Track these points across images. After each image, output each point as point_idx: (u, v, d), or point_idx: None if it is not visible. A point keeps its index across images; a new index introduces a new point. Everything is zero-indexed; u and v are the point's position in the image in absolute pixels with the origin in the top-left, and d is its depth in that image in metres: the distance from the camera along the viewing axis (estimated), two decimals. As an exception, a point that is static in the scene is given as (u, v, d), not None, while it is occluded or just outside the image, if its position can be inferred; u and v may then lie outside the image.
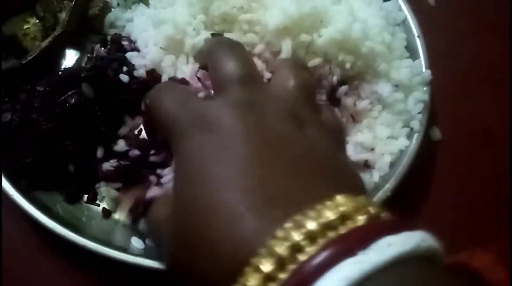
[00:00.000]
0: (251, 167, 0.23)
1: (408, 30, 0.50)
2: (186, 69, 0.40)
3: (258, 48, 0.41)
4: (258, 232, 0.21)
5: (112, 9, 0.47)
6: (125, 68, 0.41)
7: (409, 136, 0.43)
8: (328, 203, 0.21)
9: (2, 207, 0.37)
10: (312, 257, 0.19)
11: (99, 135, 0.39)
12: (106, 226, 0.38)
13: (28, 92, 0.39)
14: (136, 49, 0.43)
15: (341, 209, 0.20)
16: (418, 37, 0.49)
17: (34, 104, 0.38)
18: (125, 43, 0.44)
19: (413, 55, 0.48)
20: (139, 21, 0.45)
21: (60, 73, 0.40)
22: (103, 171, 0.38)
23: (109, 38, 0.44)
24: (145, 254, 0.36)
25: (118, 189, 0.39)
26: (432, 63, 0.50)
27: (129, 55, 0.42)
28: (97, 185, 0.39)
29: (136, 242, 0.36)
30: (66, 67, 0.43)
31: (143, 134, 0.39)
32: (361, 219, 0.20)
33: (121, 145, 0.39)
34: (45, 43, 0.42)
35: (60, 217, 0.37)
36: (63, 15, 0.44)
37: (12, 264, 0.36)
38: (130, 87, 0.41)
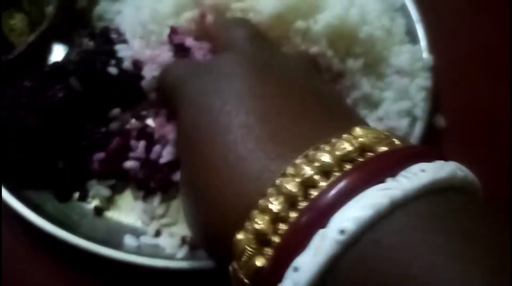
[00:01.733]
0: (256, 104, 0.21)
1: (407, 15, 0.48)
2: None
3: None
4: (266, 172, 0.19)
5: (101, 2, 0.46)
6: (113, 61, 0.40)
7: (411, 124, 0.42)
8: (345, 135, 0.18)
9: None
10: (327, 189, 0.16)
11: (88, 130, 0.38)
12: (98, 224, 0.37)
13: (14, 87, 0.37)
14: (125, 41, 0.41)
15: (360, 140, 0.18)
16: (417, 22, 0.47)
17: (21, 99, 0.37)
18: (114, 35, 0.42)
19: (413, 41, 0.47)
20: (128, 12, 0.43)
21: (47, 67, 0.38)
22: (94, 168, 0.37)
23: (97, 31, 0.43)
24: (139, 251, 0.34)
25: (111, 186, 0.38)
26: (433, 48, 0.48)
27: (117, 47, 0.41)
28: (88, 183, 0.37)
29: (129, 240, 0.35)
30: (54, 62, 0.41)
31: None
32: (385, 149, 0.18)
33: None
34: (31, 38, 0.41)
35: (51, 215, 0.35)
36: (50, 9, 0.42)
37: (2, 264, 0.35)
38: (119, 80, 0.39)
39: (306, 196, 0.17)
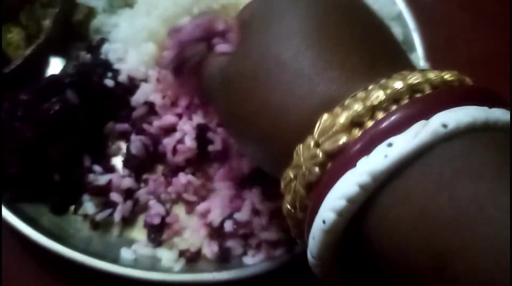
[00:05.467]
0: (323, 27, 0.23)
1: (404, 24, 0.48)
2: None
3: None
4: (335, 94, 0.20)
5: (98, 15, 0.46)
6: (110, 74, 0.40)
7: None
8: (416, 71, 0.20)
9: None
10: (394, 111, 0.18)
11: (85, 142, 0.38)
12: (95, 237, 0.36)
13: (11, 100, 0.37)
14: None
15: (430, 75, 0.19)
16: (414, 30, 0.47)
17: (17, 112, 0.37)
18: (111, 47, 0.42)
19: (410, 49, 0.47)
20: (124, 26, 0.43)
21: (43, 80, 0.38)
22: (88, 185, 0.37)
23: (94, 43, 0.43)
24: (136, 264, 0.34)
25: (106, 203, 0.37)
26: (431, 57, 0.49)
27: (113, 60, 0.41)
28: (83, 197, 0.37)
29: (125, 253, 0.35)
30: (51, 74, 0.41)
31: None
32: (448, 87, 0.19)
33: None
34: (28, 51, 0.41)
35: (47, 229, 0.35)
36: (47, 23, 0.43)
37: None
38: (115, 92, 0.39)
39: (372, 116, 0.19)
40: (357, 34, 0.23)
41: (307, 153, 0.20)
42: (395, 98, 0.19)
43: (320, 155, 0.19)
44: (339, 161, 0.19)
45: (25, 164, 0.36)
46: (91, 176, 0.37)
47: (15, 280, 0.35)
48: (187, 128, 0.37)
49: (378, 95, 0.19)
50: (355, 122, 0.19)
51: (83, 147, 0.38)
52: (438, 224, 0.16)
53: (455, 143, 0.17)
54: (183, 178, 0.37)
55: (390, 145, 0.17)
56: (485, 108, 0.18)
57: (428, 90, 0.19)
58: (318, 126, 0.20)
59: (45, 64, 0.43)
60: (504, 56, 0.53)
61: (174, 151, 0.37)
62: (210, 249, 0.35)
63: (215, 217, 0.35)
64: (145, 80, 0.40)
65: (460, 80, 0.20)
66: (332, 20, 0.23)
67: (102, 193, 0.36)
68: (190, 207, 0.37)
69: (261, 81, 0.23)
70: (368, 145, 0.18)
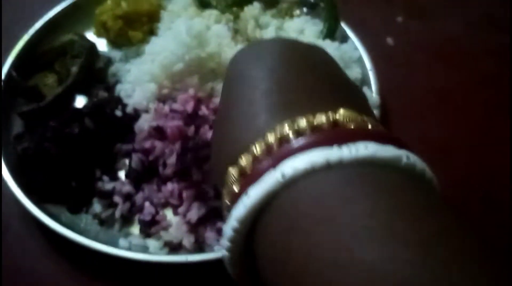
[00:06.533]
0: (277, 74, 0.26)
1: (363, 66, 0.58)
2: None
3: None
4: (263, 127, 0.23)
5: (115, 63, 0.58)
6: (120, 107, 0.51)
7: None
8: (330, 112, 0.22)
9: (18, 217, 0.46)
10: (288, 144, 0.21)
11: (98, 158, 0.48)
12: (100, 231, 0.46)
13: (43, 126, 0.49)
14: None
15: (337, 117, 0.22)
16: (370, 70, 0.57)
17: (47, 135, 0.48)
18: (122, 87, 0.54)
19: (369, 86, 0.56)
20: (134, 71, 0.55)
21: (68, 111, 0.50)
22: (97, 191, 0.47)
23: (110, 85, 0.55)
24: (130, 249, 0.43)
25: (110, 204, 0.47)
26: (390, 93, 0.58)
27: (124, 96, 0.53)
28: (94, 200, 0.47)
29: (123, 242, 0.44)
30: (74, 108, 0.53)
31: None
32: (351, 126, 0.22)
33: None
34: (58, 91, 0.53)
35: (64, 223, 0.45)
36: (74, 69, 0.55)
37: (22, 263, 0.45)
38: (123, 120, 0.50)
39: (279, 146, 0.21)
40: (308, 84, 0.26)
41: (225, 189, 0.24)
42: (267, 148, 0.22)
43: (227, 198, 0.23)
44: (234, 200, 0.22)
45: (50, 174, 0.47)
46: (99, 184, 0.47)
47: (37, 263, 0.45)
48: (174, 149, 0.47)
49: (258, 145, 0.22)
50: (242, 173, 0.22)
51: (96, 162, 0.49)
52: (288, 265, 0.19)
53: (299, 186, 0.20)
54: (170, 186, 0.46)
55: (246, 194, 0.21)
56: (333, 149, 0.20)
57: (292, 138, 0.21)
58: (225, 178, 0.23)
59: (71, 100, 0.55)
60: (455, 91, 0.62)
61: (164, 165, 0.47)
62: (188, 240, 0.44)
63: (192, 216, 0.44)
64: (146, 111, 0.51)
65: (330, 124, 0.22)
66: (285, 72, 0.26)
67: (107, 197, 0.47)
68: (175, 209, 0.46)
69: (223, 118, 0.27)
70: (239, 194, 0.21)
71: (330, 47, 0.57)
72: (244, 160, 0.22)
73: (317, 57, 0.29)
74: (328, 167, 0.19)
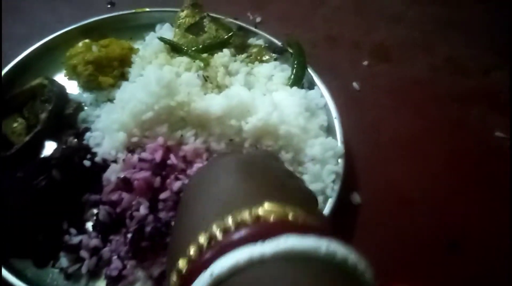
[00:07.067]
0: (226, 186, 0.28)
1: (328, 113, 0.60)
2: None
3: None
4: (197, 231, 0.25)
5: (85, 107, 0.59)
6: (88, 156, 0.52)
7: (325, 201, 0.52)
8: (253, 207, 0.24)
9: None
10: (217, 243, 0.23)
11: (65, 210, 0.49)
12: (67, 286, 0.46)
13: (8, 178, 0.49)
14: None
15: (259, 211, 0.24)
16: (335, 118, 0.59)
17: (13, 188, 0.48)
18: (92, 134, 0.54)
19: (334, 135, 0.58)
20: (104, 117, 0.56)
21: (35, 162, 0.50)
22: (64, 244, 0.47)
23: (80, 131, 0.56)
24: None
25: (77, 259, 0.47)
26: (357, 138, 0.60)
27: (93, 145, 0.53)
28: (60, 254, 0.47)
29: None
30: (43, 156, 0.53)
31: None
32: (271, 219, 0.24)
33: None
34: (27, 138, 0.53)
35: (29, 279, 0.45)
36: (43, 115, 0.55)
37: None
38: (92, 170, 0.51)
39: (209, 246, 0.23)
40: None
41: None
42: (199, 249, 0.24)
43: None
44: None
45: (15, 228, 0.47)
46: (67, 237, 0.47)
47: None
48: (141, 201, 0.47)
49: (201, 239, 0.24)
50: (179, 276, 0.24)
51: (63, 214, 0.49)
52: None
53: (228, 283, 0.21)
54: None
55: None
56: (256, 245, 0.22)
57: (219, 236, 0.23)
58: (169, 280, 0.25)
59: (40, 146, 0.55)
60: (421, 137, 0.64)
61: (131, 217, 0.47)
62: (154, 296, 0.44)
63: (154, 270, 0.45)
64: (115, 161, 0.52)
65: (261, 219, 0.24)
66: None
67: (74, 251, 0.47)
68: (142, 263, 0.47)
69: (176, 222, 0.30)
70: None
71: (297, 94, 0.59)
72: (180, 263, 0.24)
73: (262, 164, 0.32)
74: (251, 264, 0.21)
